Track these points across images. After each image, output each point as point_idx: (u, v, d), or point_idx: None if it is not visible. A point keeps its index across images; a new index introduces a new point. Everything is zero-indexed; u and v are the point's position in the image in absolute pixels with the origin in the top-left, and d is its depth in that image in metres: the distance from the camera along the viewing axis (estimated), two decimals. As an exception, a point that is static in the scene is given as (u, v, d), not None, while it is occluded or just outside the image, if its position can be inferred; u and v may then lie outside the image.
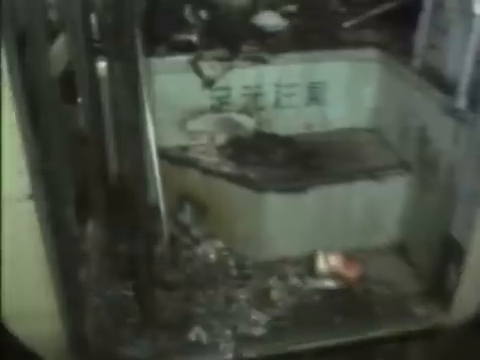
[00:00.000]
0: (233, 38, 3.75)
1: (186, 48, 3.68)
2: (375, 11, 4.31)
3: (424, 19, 3.48)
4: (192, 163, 3.69)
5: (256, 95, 3.86)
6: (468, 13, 2.96)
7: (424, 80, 3.43)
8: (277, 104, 3.93)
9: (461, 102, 3.01)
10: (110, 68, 3.17)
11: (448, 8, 3.23)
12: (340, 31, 4.20)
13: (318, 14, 4.55)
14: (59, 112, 2.61)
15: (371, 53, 3.92)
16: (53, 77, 2.64)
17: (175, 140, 3.79)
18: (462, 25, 3.09)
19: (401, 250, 3.79)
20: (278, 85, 3.87)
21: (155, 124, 3.42)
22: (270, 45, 3.83)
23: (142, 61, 3.22)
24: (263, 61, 3.70)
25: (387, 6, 4.30)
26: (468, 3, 2.96)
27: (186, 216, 3.81)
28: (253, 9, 4.34)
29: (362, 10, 4.44)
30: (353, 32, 4.19)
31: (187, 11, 3.90)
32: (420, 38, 3.52)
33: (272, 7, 4.38)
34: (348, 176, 3.59)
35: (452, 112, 3.09)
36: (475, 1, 2.86)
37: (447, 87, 3.21)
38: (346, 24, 4.26)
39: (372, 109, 4.05)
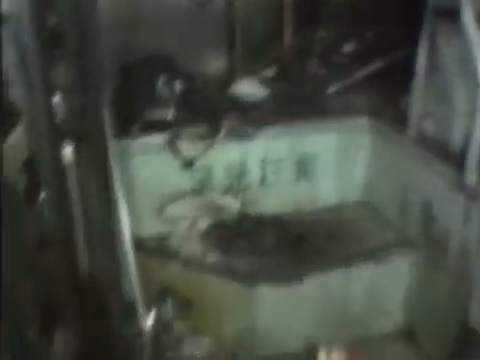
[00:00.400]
0: (212, 112, 3.46)
1: (161, 126, 3.37)
2: (360, 74, 4.05)
3: (418, 84, 3.24)
4: (172, 254, 3.32)
5: (240, 174, 3.58)
6: (473, 83, 2.70)
7: (423, 150, 3.16)
8: (263, 182, 3.64)
9: (471, 178, 2.72)
10: (77, 153, 2.84)
11: (447, 73, 2.97)
12: (325, 97, 3.94)
13: (298, 78, 4.28)
14: (18, 217, 2.25)
15: (361, 122, 3.68)
16: (10, 175, 2.30)
17: (153, 228, 3.42)
18: (465, 93, 2.83)
19: (409, 336, 3.43)
20: (264, 161, 3.59)
21: (129, 211, 3.05)
22: (253, 118, 3.55)
23: (112, 143, 2.89)
24: (247, 137, 3.40)
25: (373, 67, 4.05)
26: (469, 68, 2.71)
27: (168, 311, 3.41)
28: (230, 77, 4.08)
29: (343, 72, 4.21)
30: (339, 98, 3.94)
31: (160, 84, 3.60)
32: (415, 106, 3.27)
33: (249, 73, 4.12)
34: (347, 260, 3.25)
35: (461, 188, 2.78)
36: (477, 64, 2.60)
37: (452, 159, 2.93)
38: (330, 90, 3.99)
39: (365, 181, 3.76)
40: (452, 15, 2.88)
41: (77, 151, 2.79)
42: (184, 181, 3.48)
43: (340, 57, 4.53)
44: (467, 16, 2.65)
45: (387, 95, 3.78)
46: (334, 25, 4.61)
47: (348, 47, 4.61)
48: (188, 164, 3.38)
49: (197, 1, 4.00)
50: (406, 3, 3.99)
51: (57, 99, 2.85)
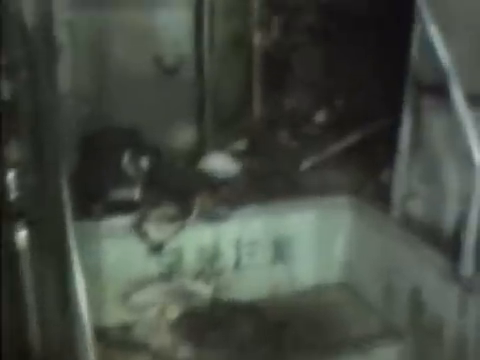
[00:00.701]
0: (182, 191, 3.22)
1: (127, 207, 3.11)
2: (336, 147, 3.88)
3: (401, 162, 3.07)
4: (139, 346, 3.01)
5: (213, 257, 3.30)
6: (465, 162, 2.53)
7: (409, 233, 2.98)
8: (238, 265, 3.37)
9: (467, 268, 2.51)
10: (32, 236, 2.58)
11: (435, 151, 2.82)
12: (300, 173, 3.74)
13: (270, 151, 4.09)
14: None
15: (341, 200, 3.48)
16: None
17: (118, 316, 3.11)
18: (456, 173, 2.66)
19: None
20: (238, 243, 3.33)
21: (91, 299, 2.76)
22: (226, 197, 3.31)
23: (72, 226, 2.62)
24: (220, 218, 3.16)
25: (350, 140, 3.88)
26: (461, 146, 2.54)
27: None
28: (199, 150, 3.87)
29: (316, 144, 4.04)
30: (315, 173, 3.75)
31: (125, 160, 3.35)
32: (398, 184, 3.10)
33: (219, 146, 3.92)
34: (329, 352, 2.98)
35: (455, 278, 2.57)
36: (475, 149, 2.42)
37: (442, 244, 2.75)
38: (305, 164, 3.79)
39: (345, 263, 3.54)
40: (437, 90, 2.76)
41: (32, 234, 2.56)
42: (152, 265, 3.19)
43: (312, 128, 4.39)
44: (456, 94, 2.50)
45: (366, 169, 3.62)
46: (305, 95, 4.50)
47: (319, 117, 4.48)
48: (156, 248, 3.10)
49: (165, 69, 3.82)
50: (382, 72, 3.91)
51: (10, 177, 2.63)
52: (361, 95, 4.14)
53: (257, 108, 4.33)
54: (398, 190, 3.09)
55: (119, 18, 3.58)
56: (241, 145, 4.06)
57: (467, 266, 2.51)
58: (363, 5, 4.17)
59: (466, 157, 2.49)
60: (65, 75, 3.39)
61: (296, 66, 4.56)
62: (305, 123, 4.44)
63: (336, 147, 3.86)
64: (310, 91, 4.49)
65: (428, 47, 2.68)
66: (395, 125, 3.14)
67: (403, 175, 3.06)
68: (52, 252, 2.38)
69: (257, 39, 4.29)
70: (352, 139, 3.87)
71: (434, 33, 2.62)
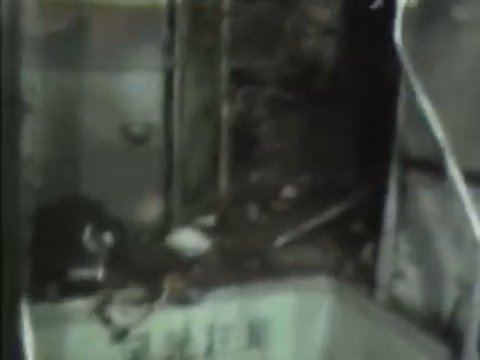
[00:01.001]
0: (150, 271, 2.96)
1: (88, 288, 2.86)
2: (312, 222, 3.69)
3: (386, 241, 2.90)
4: None
5: (183, 342, 3.05)
6: (459, 240, 2.37)
7: (396, 317, 2.79)
8: (210, 352, 3.13)
9: (471, 358, 2.29)
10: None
11: (426, 230, 2.65)
12: (274, 250, 3.55)
13: (240, 226, 3.88)
14: None
15: (319, 281, 3.29)
16: None
17: None
18: (452, 254, 2.50)
19: None
20: (211, 328, 3.10)
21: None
22: (198, 278, 3.08)
23: (26, 309, 2.35)
24: (191, 301, 2.90)
25: (327, 214, 3.70)
26: (454, 223, 2.39)
27: None
28: (167, 225, 3.63)
29: (288, 219, 3.87)
30: (290, 250, 3.56)
31: (87, 235, 3.10)
32: (384, 265, 2.93)
33: (187, 221, 3.69)
34: None
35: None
36: (476, 227, 2.24)
37: (434, 329, 2.54)
38: (279, 241, 3.59)
39: (325, 348, 3.30)
40: (425, 163, 2.63)
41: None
42: (115, 352, 2.91)
43: (282, 203, 4.22)
44: (453, 170, 2.34)
45: (344, 246, 3.46)
46: (274, 168, 4.36)
47: (288, 192, 4.32)
48: (121, 335, 2.81)
49: (132, 138, 3.61)
50: (357, 143, 3.81)
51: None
52: (335, 167, 4.01)
53: (224, 181, 4.15)
54: (383, 270, 2.91)
55: (85, 82, 3.40)
56: (210, 220, 3.84)
57: (471, 356, 2.29)
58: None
59: (461, 235, 2.34)
60: (26, 140, 3.17)
61: (265, 139, 4.45)
62: (275, 198, 4.29)
63: (312, 222, 3.68)
64: (280, 164, 4.36)
65: (416, 119, 2.55)
66: (374, 198, 3.01)
67: (388, 254, 2.88)
68: (2, 337, 2.17)
69: (225, 111, 4.16)
70: (329, 214, 3.69)
71: (425, 104, 2.48)
